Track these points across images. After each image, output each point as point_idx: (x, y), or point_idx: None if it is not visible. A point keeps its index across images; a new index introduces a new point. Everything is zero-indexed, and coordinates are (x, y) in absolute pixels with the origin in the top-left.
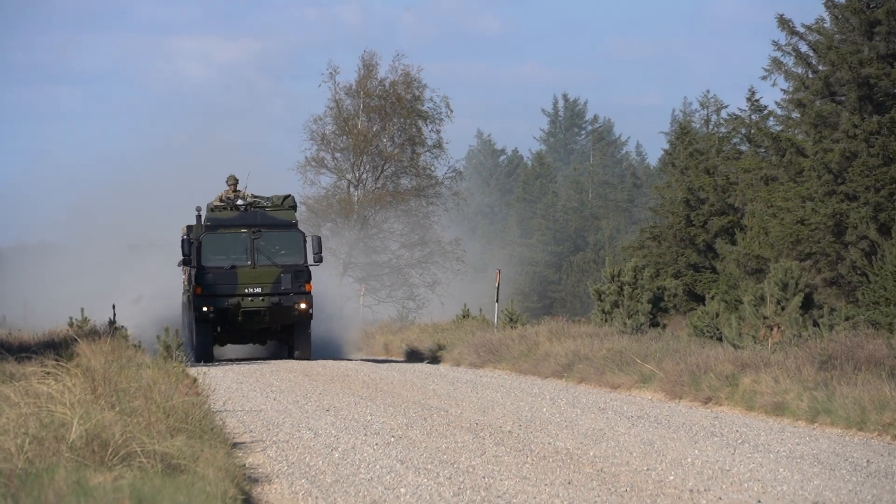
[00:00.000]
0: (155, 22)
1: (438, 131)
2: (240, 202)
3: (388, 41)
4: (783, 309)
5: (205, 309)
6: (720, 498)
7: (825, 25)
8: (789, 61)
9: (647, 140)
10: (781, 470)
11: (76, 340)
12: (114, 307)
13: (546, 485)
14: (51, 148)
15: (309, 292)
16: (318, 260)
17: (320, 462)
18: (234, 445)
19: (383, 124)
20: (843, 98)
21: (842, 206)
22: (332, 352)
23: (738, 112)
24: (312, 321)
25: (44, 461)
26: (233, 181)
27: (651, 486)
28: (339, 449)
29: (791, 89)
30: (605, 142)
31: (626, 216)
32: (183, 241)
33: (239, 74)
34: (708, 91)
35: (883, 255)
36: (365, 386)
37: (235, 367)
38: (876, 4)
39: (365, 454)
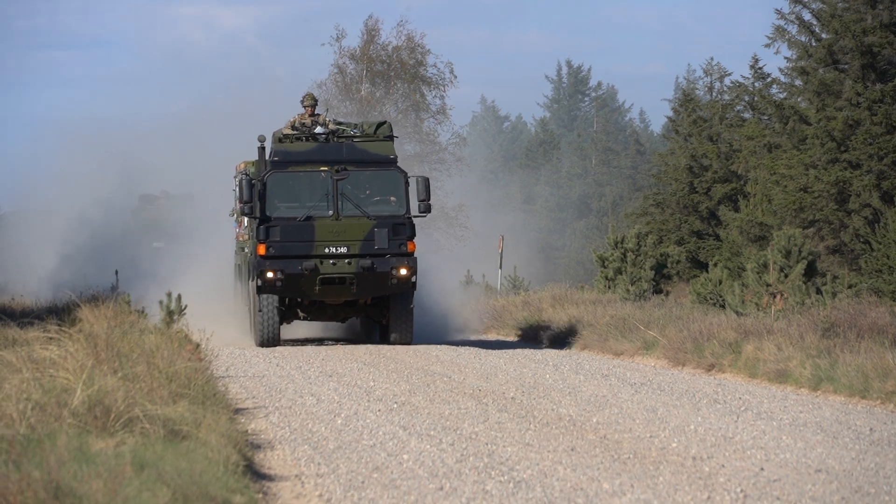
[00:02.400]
0: None
1: (442, 97)
2: (319, 130)
3: (393, 8)
4: (786, 276)
5: (270, 275)
6: (723, 465)
7: None
8: (793, 29)
9: (651, 107)
10: (784, 437)
11: (78, 306)
12: (116, 273)
13: (549, 451)
14: (52, 112)
15: (412, 253)
16: (426, 209)
17: (323, 428)
18: (237, 411)
19: (387, 90)
20: (846, 66)
21: (845, 174)
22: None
23: (741, 80)
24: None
25: (46, 427)
26: (310, 101)
27: (654, 454)
28: (342, 415)
29: (794, 57)
30: (609, 109)
31: (630, 183)
32: (241, 181)
33: (242, 41)
34: (711, 58)
35: (886, 224)
36: (368, 352)
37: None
38: None
39: (368, 420)
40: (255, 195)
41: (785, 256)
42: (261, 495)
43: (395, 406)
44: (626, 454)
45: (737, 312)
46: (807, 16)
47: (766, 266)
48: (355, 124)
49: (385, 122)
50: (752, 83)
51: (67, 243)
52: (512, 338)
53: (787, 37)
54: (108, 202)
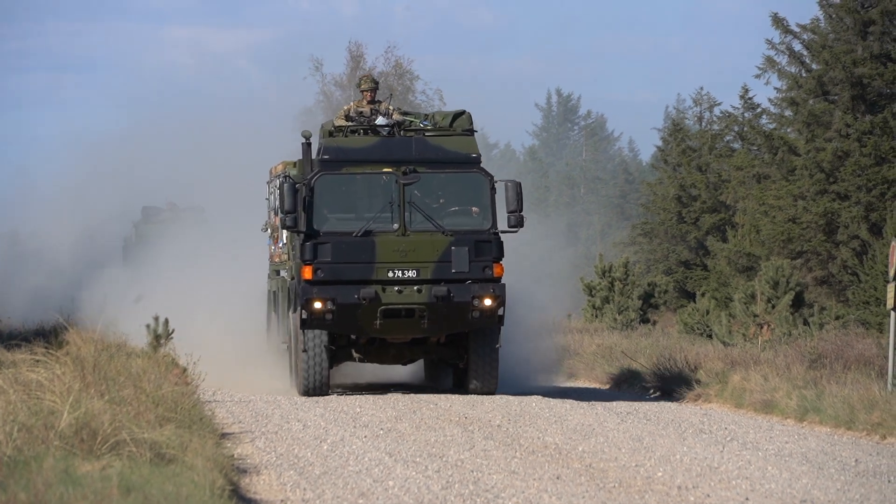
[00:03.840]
0: (149, 10)
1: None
2: (381, 121)
3: (382, 34)
4: (773, 307)
5: (318, 305)
6: (708, 495)
7: (820, 25)
8: (783, 60)
9: (640, 136)
10: (770, 468)
11: (66, 329)
12: (105, 297)
13: (535, 479)
14: (48, 133)
15: (499, 279)
16: (517, 223)
17: (309, 454)
18: (223, 436)
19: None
20: (836, 97)
21: (833, 205)
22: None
23: (731, 109)
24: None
25: (32, 449)
26: (369, 84)
27: (640, 483)
28: (328, 441)
29: (784, 88)
30: (598, 137)
31: (618, 212)
32: (281, 186)
33: (232, 64)
34: (701, 88)
35: (874, 255)
36: (352, 378)
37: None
38: (870, 4)
39: (354, 446)
40: (298, 203)
41: (773, 287)
42: None
43: (382, 432)
44: (611, 483)
45: (724, 342)
46: (797, 46)
47: (753, 296)
48: (425, 115)
49: (464, 113)
50: (742, 113)
51: (60, 263)
52: None
53: (777, 67)
54: (108, 216)
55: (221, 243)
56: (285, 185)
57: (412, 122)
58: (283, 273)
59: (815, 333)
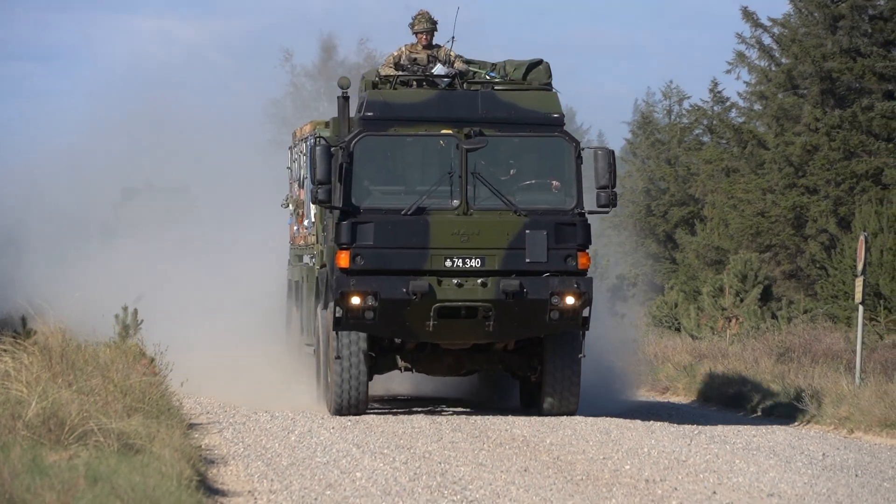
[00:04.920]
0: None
1: None
2: (440, 69)
3: (354, 25)
4: (742, 300)
5: (356, 301)
6: (676, 488)
7: (790, 19)
8: (753, 54)
9: (609, 129)
10: (737, 461)
11: (34, 318)
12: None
13: (502, 472)
14: (17, 122)
15: (584, 271)
16: (609, 201)
17: (277, 444)
18: (191, 426)
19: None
20: (805, 91)
21: (802, 199)
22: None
23: (700, 103)
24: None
25: None
26: (425, 24)
27: (607, 475)
28: (296, 432)
29: (753, 81)
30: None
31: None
32: (312, 150)
33: (201, 55)
34: (671, 81)
35: (842, 250)
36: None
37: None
38: None
39: (321, 437)
40: (333, 172)
41: (741, 280)
42: None
43: (350, 423)
44: (579, 475)
45: (692, 336)
46: (767, 40)
47: (721, 290)
48: (493, 64)
49: (541, 62)
50: (712, 107)
51: (31, 245)
52: None
53: (746, 61)
54: (84, 197)
55: (217, 226)
56: (318, 149)
57: (478, 72)
58: (306, 259)
59: (784, 327)
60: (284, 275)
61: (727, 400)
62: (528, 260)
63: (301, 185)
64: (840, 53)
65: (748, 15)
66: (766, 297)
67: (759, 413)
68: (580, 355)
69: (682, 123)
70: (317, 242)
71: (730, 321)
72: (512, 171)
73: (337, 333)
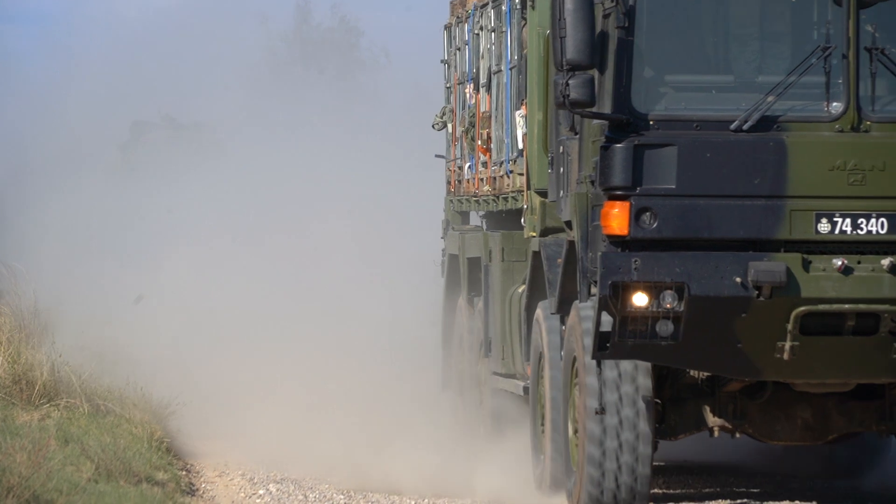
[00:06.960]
0: None
1: (376, 81)
2: None
3: None
4: None
5: (640, 301)
6: None
7: None
8: None
9: None
10: None
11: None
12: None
13: None
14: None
15: None
16: None
17: None
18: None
19: (321, 72)
20: None
21: None
22: None
23: None
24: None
25: None
26: None
27: None
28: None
29: None
30: None
31: None
32: (557, 2)
33: (175, 19)
34: None
35: None
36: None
37: None
38: None
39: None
40: (592, 52)
41: None
42: (184, 472)
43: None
44: None
45: None
46: None
47: None
48: None
49: None
50: None
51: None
52: None
53: None
54: (85, 134)
55: (264, 177)
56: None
57: None
58: (528, 222)
59: None
60: (430, 248)
61: None
62: None
63: (481, 87)
64: None
65: None
66: None
67: None
68: None
69: None
70: (527, 189)
71: None
72: None
73: (598, 364)
